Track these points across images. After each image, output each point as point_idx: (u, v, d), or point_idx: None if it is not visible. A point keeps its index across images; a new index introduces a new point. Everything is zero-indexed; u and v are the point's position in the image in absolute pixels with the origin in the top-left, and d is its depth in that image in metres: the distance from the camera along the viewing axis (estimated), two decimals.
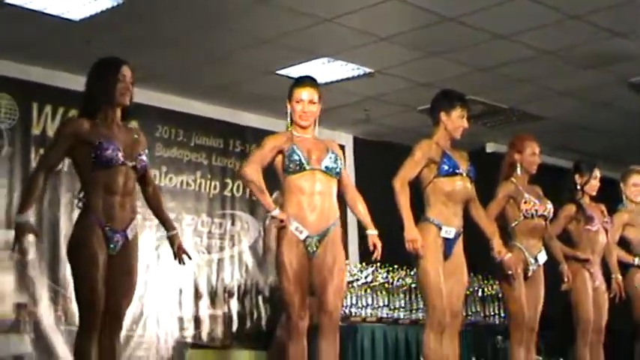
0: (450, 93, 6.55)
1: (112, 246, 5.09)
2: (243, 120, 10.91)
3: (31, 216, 5.03)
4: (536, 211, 7.00)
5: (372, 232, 5.94)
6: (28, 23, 8.12)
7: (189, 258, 5.63)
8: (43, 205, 8.84)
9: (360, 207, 5.98)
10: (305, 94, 5.78)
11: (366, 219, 5.97)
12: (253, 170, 5.68)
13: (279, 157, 5.72)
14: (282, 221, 5.60)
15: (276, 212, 5.62)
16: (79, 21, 8.09)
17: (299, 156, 5.66)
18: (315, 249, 5.62)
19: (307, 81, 5.89)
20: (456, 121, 6.40)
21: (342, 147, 11.21)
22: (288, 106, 5.81)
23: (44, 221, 8.92)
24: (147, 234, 9.30)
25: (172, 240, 5.57)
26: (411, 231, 6.16)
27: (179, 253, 5.55)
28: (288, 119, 5.82)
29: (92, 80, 5.26)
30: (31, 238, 5.09)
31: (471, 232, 6.55)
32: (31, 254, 8.72)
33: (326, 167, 5.72)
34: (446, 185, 6.32)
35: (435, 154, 6.34)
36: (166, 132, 10.21)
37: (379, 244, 5.90)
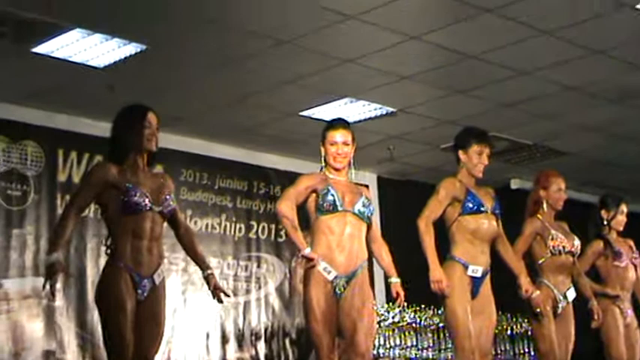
0: (468, 131, 6.53)
1: (139, 292, 5.09)
2: (267, 162, 10.92)
3: (60, 256, 5.00)
4: (564, 247, 6.94)
5: (395, 280, 5.96)
6: (53, 71, 8.19)
7: (227, 296, 5.63)
8: (69, 251, 8.87)
9: (384, 256, 6.01)
10: (339, 136, 5.82)
11: (390, 268, 5.99)
12: (288, 207, 5.68)
13: (312, 197, 5.74)
14: (311, 261, 5.58)
15: (307, 251, 5.60)
16: (103, 68, 8.15)
17: (333, 196, 5.67)
18: (342, 290, 5.60)
19: (340, 123, 5.93)
20: (473, 158, 6.36)
21: (365, 187, 11.33)
22: (322, 149, 5.85)
23: (71, 267, 8.92)
24: (173, 278, 9.31)
25: (208, 280, 5.56)
26: (435, 271, 6.12)
27: (217, 292, 5.54)
28: (322, 162, 5.85)
29: (119, 127, 5.30)
30: (59, 284, 5.06)
31: (499, 270, 6.51)
32: (59, 300, 8.73)
33: (358, 211, 5.73)
34: (471, 223, 6.28)
35: (459, 192, 6.31)
36: (191, 175, 10.24)
37: (402, 293, 5.93)
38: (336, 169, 5.83)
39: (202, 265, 5.61)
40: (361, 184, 6.16)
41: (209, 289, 5.57)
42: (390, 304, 9.83)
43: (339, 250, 5.64)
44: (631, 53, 8.43)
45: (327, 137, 5.84)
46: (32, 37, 7.52)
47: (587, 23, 7.73)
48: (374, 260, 5.97)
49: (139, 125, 5.25)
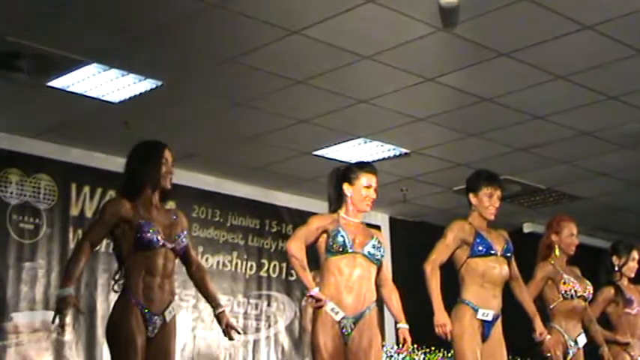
0: (478, 173, 6.51)
1: (150, 328, 5.08)
2: (280, 200, 10.92)
3: (72, 290, 4.99)
4: (576, 292, 6.91)
5: (404, 326, 5.93)
6: (68, 105, 8.22)
7: (239, 333, 5.62)
8: (80, 285, 8.86)
9: (394, 302, 5.96)
10: (374, 180, 5.81)
11: (399, 313, 5.95)
12: (297, 247, 5.64)
13: (323, 238, 5.70)
14: (319, 301, 5.56)
15: (315, 291, 5.57)
16: (118, 103, 8.18)
17: (343, 238, 5.63)
18: (350, 331, 5.58)
19: (373, 168, 5.90)
20: (484, 201, 6.34)
21: (378, 227, 11.31)
22: (350, 189, 5.78)
23: (81, 302, 8.92)
24: (183, 315, 9.29)
25: (220, 317, 5.54)
26: (440, 315, 6.08)
27: (228, 330, 5.52)
28: (348, 201, 5.77)
29: (135, 163, 5.30)
30: (68, 319, 5.06)
31: (509, 313, 6.47)
32: (68, 334, 8.72)
33: (368, 253, 5.70)
34: (480, 266, 6.25)
35: (468, 235, 6.28)
36: (203, 212, 10.24)
37: (409, 339, 5.89)
38: (361, 212, 5.80)
39: (213, 302, 5.58)
40: (373, 225, 6.13)
41: (221, 326, 5.55)
42: (400, 345, 9.77)
43: (348, 291, 5.61)
44: None
45: (359, 179, 5.78)
46: (49, 71, 7.56)
47: (602, 69, 7.75)
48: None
49: (157, 162, 5.26)
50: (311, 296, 5.59)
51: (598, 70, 7.78)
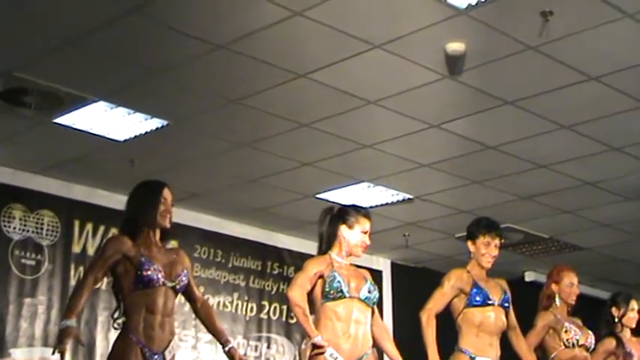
0: (477, 221, 6.47)
1: None
2: (282, 242, 10.92)
3: (74, 323, 4.98)
4: (577, 340, 6.89)
5: None
6: (73, 142, 8.25)
7: None
8: (80, 322, 8.84)
9: (388, 341, 5.90)
10: (370, 226, 5.77)
11: (395, 353, 5.87)
12: (300, 295, 5.55)
13: (318, 283, 5.63)
14: (321, 348, 5.51)
15: (318, 339, 5.48)
16: (123, 141, 8.21)
17: (340, 283, 5.58)
18: None
19: (370, 213, 5.85)
20: (481, 249, 6.31)
21: (379, 272, 11.28)
22: (348, 232, 5.72)
23: (82, 335, 8.89)
24: (182, 355, 9.24)
25: (232, 353, 5.48)
26: None
27: None
28: (343, 243, 5.72)
29: (134, 202, 5.32)
30: (68, 355, 5.03)
31: None
32: None
33: (365, 297, 5.65)
34: (477, 316, 6.21)
35: (466, 284, 6.25)
36: (205, 252, 10.24)
37: None
38: (352, 255, 5.74)
39: (222, 338, 5.54)
40: (373, 270, 6.10)
41: None
42: None
43: (346, 337, 5.54)
44: None
45: (359, 223, 5.73)
46: (55, 108, 7.58)
47: (607, 120, 7.78)
48: None
49: (154, 201, 5.27)
50: (313, 344, 5.54)
51: (602, 121, 7.81)
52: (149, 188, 5.36)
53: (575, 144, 8.28)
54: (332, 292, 5.58)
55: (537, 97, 7.40)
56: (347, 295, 5.58)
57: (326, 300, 5.60)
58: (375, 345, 5.83)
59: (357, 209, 5.84)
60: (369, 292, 5.68)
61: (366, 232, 5.74)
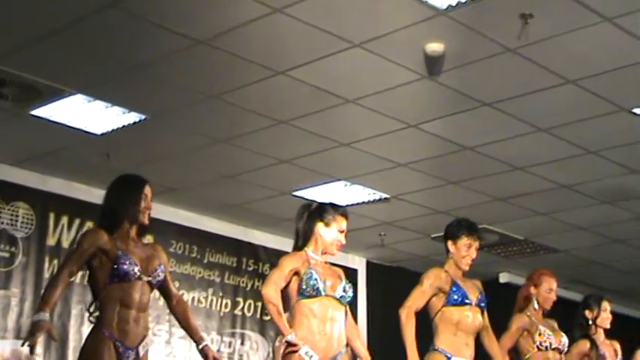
0: (458, 222, 6.50)
1: None
2: (257, 239, 10.91)
3: (47, 316, 4.95)
4: (550, 343, 6.93)
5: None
6: (49, 135, 8.22)
7: None
8: (53, 316, 8.79)
9: (358, 339, 5.92)
10: (346, 225, 5.77)
11: (364, 351, 5.87)
12: (274, 292, 5.53)
13: (294, 279, 5.61)
14: (294, 346, 5.50)
15: (292, 337, 5.46)
16: (100, 135, 8.18)
17: (317, 281, 5.56)
18: None
19: (347, 212, 5.84)
20: (462, 250, 6.35)
21: (354, 270, 11.29)
22: (325, 230, 5.71)
23: (55, 329, 8.84)
24: (156, 350, 9.22)
25: (205, 352, 5.46)
26: None
27: None
28: (319, 241, 5.70)
29: (114, 196, 5.29)
30: (40, 349, 5.01)
31: None
32: None
33: (340, 296, 5.64)
34: (454, 315, 6.25)
35: (444, 283, 6.29)
36: (180, 248, 10.22)
37: None
38: (325, 253, 5.73)
39: (196, 336, 5.53)
40: (349, 269, 6.09)
41: None
42: None
43: (321, 335, 5.52)
44: (625, 156, 8.49)
45: (337, 222, 5.72)
46: (32, 100, 7.55)
47: (584, 124, 7.81)
48: None
49: (136, 197, 5.25)
50: (287, 342, 5.53)
51: (579, 125, 7.85)
52: (130, 184, 5.33)
53: (551, 147, 8.31)
54: (308, 289, 5.56)
55: (515, 100, 7.42)
56: (323, 293, 5.57)
57: (302, 297, 5.58)
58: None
59: (335, 207, 5.83)
60: (344, 291, 5.68)
61: (342, 232, 5.74)
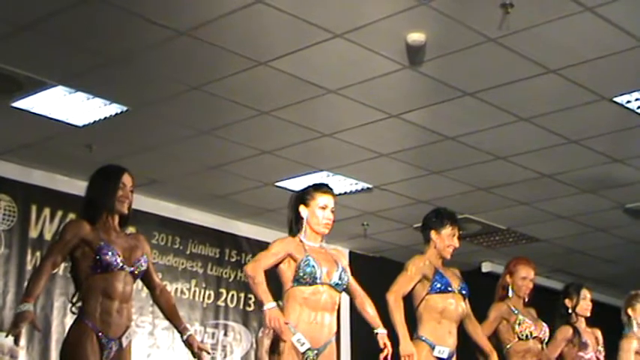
0: (442, 212, 6.54)
1: (105, 353, 5.02)
2: (240, 230, 10.91)
3: (32, 307, 4.95)
4: (531, 332, 6.95)
5: (382, 331, 5.74)
6: (31, 127, 8.19)
7: (208, 353, 5.58)
8: (35, 308, 8.75)
9: (368, 308, 5.80)
10: (331, 201, 5.63)
11: (375, 319, 5.79)
12: (256, 268, 5.42)
13: (286, 265, 5.53)
14: (275, 321, 5.31)
15: (269, 306, 5.31)
16: (82, 126, 8.16)
17: (314, 268, 5.47)
18: None
19: (330, 188, 5.73)
20: (446, 239, 6.40)
21: None
22: (305, 210, 5.61)
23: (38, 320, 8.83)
24: (139, 341, 9.21)
25: (190, 341, 5.48)
26: (406, 346, 6.05)
27: (200, 353, 5.48)
28: (304, 225, 5.60)
29: (93, 187, 5.29)
30: (23, 341, 5.00)
31: (464, 352, 6.50)
32: (22, 357, 8.63)
33: (335, 283, 5.57)
34: (438, 303, 6.28)
35: (428, 271, 6.33)
36: (163, 239, 10.20)
37: (389, 343, 5.70)
38: (319, 234, 5.63)
39: (180, 326, 5.54)
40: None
41: (192, 349, 5.49)
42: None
43: (314, 322, 5.47)
44: (606, 144, 8.53)
45: (315, 199, 5.61)
46: (13, 92, 7.52)
47: (565, 113, 7.84)
48: (340, 335, 5.89)
49: (113, 186, 5.25)
50: (263, 311, 5.40)
51: (560, 114, 7.88)
52: (108, 173, 5.33)
53: (533, 136, 8.34)
54: (305, 276, 5.47)
55: (496, 89, 7.44)
56: (319, 281, 5.49)
57: (297, 284, 5.49)
58: (357, 313, 5.82)
59: (314, 186, 5.73)
60: (340, 278, 5.59)
61: (324, 207, 5.61)
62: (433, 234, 6.43)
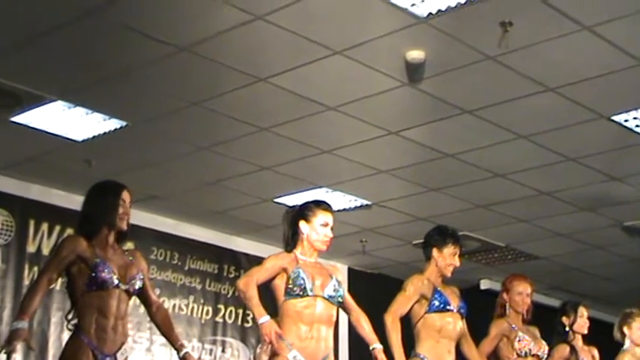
0: (444, 230, 6.52)
1: None
2: (239, 246, 10.90)
3: (26, 325, 4.93)
4: (530, 350, 6.94)
5: (378, 347, 5.70)
6: (30, 141, 8.19)
7: None
8: (33, 323, 8.73)
9: (364, 324, 5.76)
10: (331, 219, 5.63)
11: (371, 335, 5.75)
12: (247, 283, 5.38)
13: (280, 280, 5.50)
14: (268, 336, 5.26)
15: (264, 319, 5.28)
16: (81, 141, 8.16)
17: (304, 280, 5.44)
18: None
19: (330, 206, 5.72)
20: (447, 258, 6.38)
21: None
22: (306, 226, 5.59)
23: (33, 340, 8.76)
24: (136, 355, 9.19)
25: (187, 358, 5.45)
26: None
27: None
28: (304, 239, 5.58)
29: (92, 202, 5.29)
30: (19, 356, 5.00)
31: None
32: None
33: (329, 296, 5.52)
34: (437, 321, 6.27)
35: (427, 290, 6.31)
36: (161, 254, 10.20)
37: (385, 359, 5.66)
38: (317, 251, 5.61)
39: (177, 344, 5.51)
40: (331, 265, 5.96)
41: None
42: None
43: (309, 337, 5.43)
44: (604, 163, 8.53)
45: (316, 216, 5.60)
46: (13, 107, 7.52)
47: (564, 131, 7.84)
48: (338, 348, 5.86)
49: (113, 203, 5.24)
50: (259, 325, 5.37)
51: (559, 132, 7.88)
52: (108, 190, 5.33)
53: (531, 154, 8.34)
54: (295, 288, 5.44)
55: (495, 107, 7.45)
56: (310, 292, 5.45)
57: (289, 297, 5.46)
58: (353, 331, 5.79)
59: (315, 202, 5.73)
60: (334, 290, 5.56)
61: (326, 225, 5.60)
62: (435, 252, 6.41)
